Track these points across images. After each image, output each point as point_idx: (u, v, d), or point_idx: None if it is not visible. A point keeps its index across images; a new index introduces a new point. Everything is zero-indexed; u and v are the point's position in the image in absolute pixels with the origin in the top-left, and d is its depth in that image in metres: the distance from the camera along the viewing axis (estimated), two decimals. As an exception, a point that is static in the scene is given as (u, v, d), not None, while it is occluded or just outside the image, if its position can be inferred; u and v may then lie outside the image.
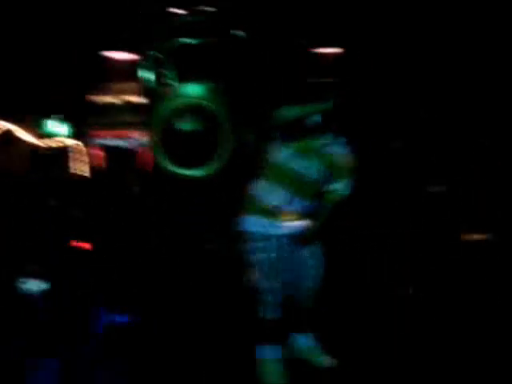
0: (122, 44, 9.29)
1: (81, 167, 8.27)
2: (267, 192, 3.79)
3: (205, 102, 6.54)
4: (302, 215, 3.79)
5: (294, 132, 3.75)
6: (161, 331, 4.59)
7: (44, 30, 8.82)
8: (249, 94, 6.58)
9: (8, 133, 9.44)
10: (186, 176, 6.39)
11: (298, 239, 3.82)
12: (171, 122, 6.57)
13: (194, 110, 6.56)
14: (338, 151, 3.84)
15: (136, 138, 11.07)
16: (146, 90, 7.09)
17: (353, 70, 8.83)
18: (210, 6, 7.52)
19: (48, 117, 10.25)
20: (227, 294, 5.09)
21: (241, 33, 6.90)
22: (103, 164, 11.06)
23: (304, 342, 4.07)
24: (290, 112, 3.72)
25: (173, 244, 5.68)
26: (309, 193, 3.80)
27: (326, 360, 3.98)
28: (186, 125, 6.52)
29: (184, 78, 6.99)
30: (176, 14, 7.69)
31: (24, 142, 9.63)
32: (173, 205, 5.29)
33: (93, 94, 11.08)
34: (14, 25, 8.96)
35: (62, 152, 9.13)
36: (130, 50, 9.40)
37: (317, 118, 3.80)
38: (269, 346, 3.77)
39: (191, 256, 5.48)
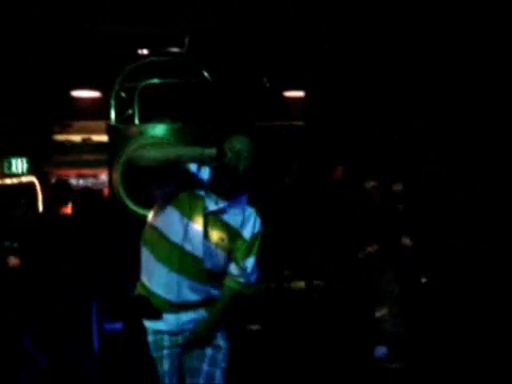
0: (87, 83, 9.29)
1: (37, 205, 8.14)
2: (146, 269, 2.98)
3: (168, 143, 6.49)
4: (192, 305, 2.93)
5: (164, 183, 2.86)
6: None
7: (8, 67, 8.75)
8: (213, 134, 6.57)
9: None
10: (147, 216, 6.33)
11: (187, 338, 2.97)
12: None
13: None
14: (239, 221, 2.94)
15: (99, 177, 11.03)
16: (110, 128, 7.03)
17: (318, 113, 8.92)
18: (177, 47, 7.55)
19: (10, 155, 10.16)
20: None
21: (206, 74, 6.90)
22: (67, 203, 10.96)
23: None
24: (150, 153, 2.86)
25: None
26: (199, 274, 2.88)
27: None
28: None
29: (149, 117, 6.95)
30: (142, 54, 7.71)
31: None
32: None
33: (57, 133, 11.04)
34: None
35: (23, 190, 9.00)
36: (95, 89, 9.40)
37: (193, 168, 2.91)
38: None
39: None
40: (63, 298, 4.61)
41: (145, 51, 7.77)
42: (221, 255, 2.92)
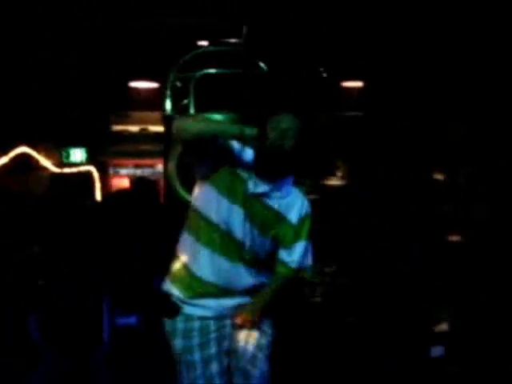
0: (145, 73, 9.34)
1: (95, 194, 8.24)
2: (189, 253, 2.86)
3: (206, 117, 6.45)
4: (238, 291, 2.87)
5: (207, 160, 2.76)
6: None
7: (67, 58, 8.87)
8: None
9: (27, 158, 9.48)
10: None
11: (233, 321, 2.91)
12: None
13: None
14: (284, 205, 2.82)
15: (156, 167, 11.08)
16: (166, 119, 7.04)
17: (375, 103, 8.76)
18: (234, 38, 7.51)
19: (68, 145, 10.32)
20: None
21: (262, 64, 6.84)
22: (124, 192, 11.08)
23: None
24: (191, 126, 2.68)
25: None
26: (242, 259, 2.80)
27: None
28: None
29: (205, 108, 6.93)
30: (199, 44, 7.70)
31: (43, 168, 9.67)
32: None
33: (114, 123, 11.16)
34: (38, 53, 9.03)
35: (81, 179, 9.14)
36: (151, 79, 9.44)
37: (237, 146, 2.80)
38: None
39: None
40: (74, 291, 4.60)
41: (204, 42, 7.76)
42: (265, 240, 2.82)
